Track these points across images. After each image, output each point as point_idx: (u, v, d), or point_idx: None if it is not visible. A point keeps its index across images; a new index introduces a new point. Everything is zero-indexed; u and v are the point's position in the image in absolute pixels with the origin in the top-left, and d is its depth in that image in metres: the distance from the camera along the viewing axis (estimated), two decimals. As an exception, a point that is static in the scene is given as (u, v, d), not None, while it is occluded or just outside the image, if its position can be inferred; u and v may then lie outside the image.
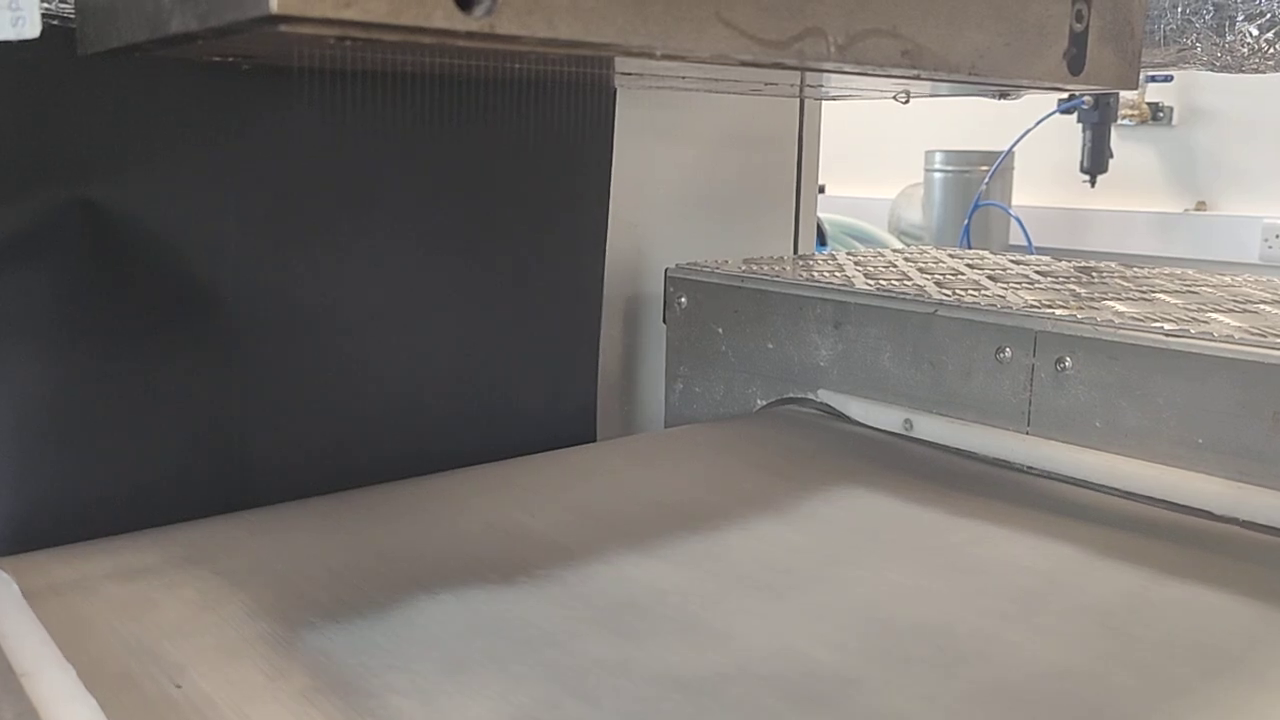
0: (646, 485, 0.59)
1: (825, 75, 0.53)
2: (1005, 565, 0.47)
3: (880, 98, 0.67)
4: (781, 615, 0.42)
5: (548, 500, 0.56)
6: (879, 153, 2.60)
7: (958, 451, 0.63)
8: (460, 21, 0.30)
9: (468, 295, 0.64)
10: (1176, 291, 0.70)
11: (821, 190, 1.09)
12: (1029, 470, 0.60)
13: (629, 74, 0.58)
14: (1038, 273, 0.79)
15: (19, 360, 0.50)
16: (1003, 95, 0.61)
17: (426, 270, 0.62)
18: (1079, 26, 0.46)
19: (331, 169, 0.57)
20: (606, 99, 0.68)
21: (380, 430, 0.62)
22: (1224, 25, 0.80)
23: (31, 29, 0.35)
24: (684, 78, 0.59)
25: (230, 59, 0.45)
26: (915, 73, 0.42)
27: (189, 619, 0.41)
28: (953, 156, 2.34)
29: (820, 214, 1.32)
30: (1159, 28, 0.81)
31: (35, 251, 0.49)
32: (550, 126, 0.65)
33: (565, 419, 0.71)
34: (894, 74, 0.42)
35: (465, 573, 0.46)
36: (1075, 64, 0.47)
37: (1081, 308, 0.62)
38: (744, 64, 0.38)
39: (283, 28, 0.29)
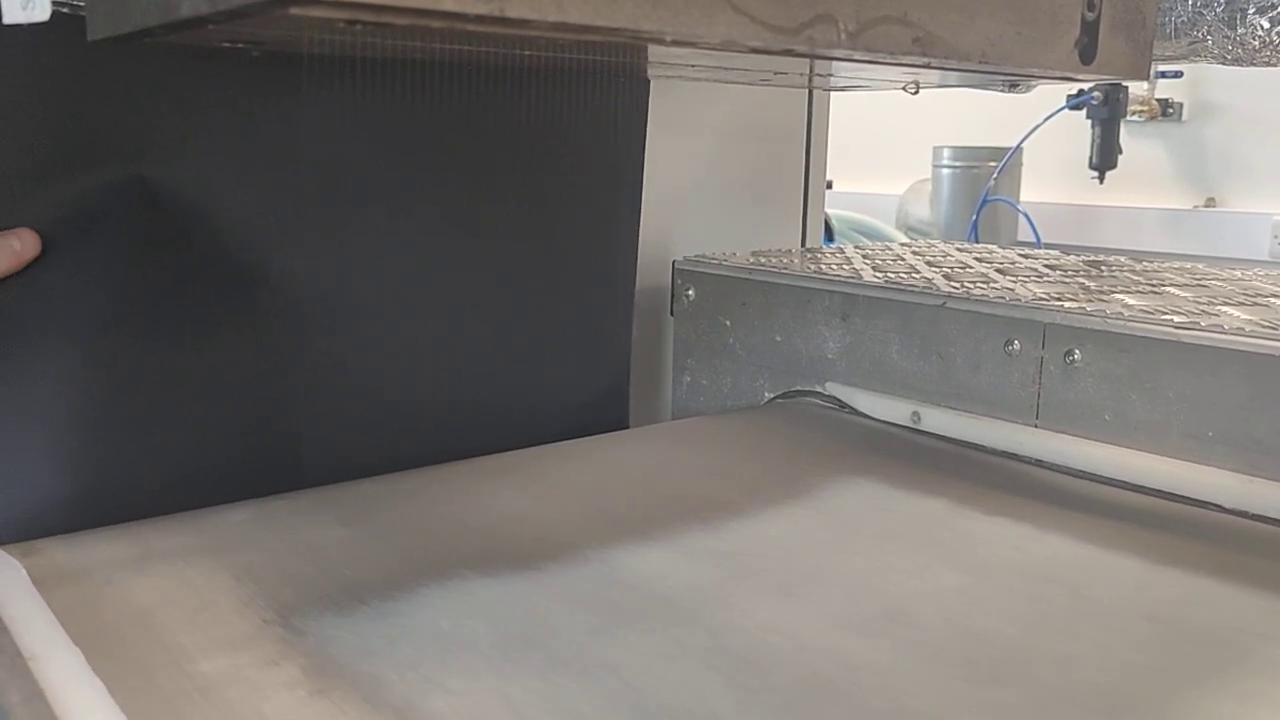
0: (653, 477, 0.59)
1: (835, 64, 0.53)
2: (1013, 558, 0.47)
3: (890, 89, 0.67)
4: (788, 607, 0.42)
5: (554, 491, 0.56)
6: (887, 149, 2.59)
7: (966, 444, 0.63)
8: (469, 4, 0.30)
9: (505, 283, 0.65)
10: (1186, 285, 0.70)
11: (829, 186, 1.09)
12: (1038, 463, 0.60)
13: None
14: (1047, 266, 0.79)
15: (72, 343, 0.50)
16: (1012, 86, 0.61)
17: (464, 258, 0.63)
18: (1091, 15, 0.46)
19: (373, 157, 0.58)
20: (640, 87, 0.69)
21: (421, 416, 0.62)
22: (1235, 18, 0.80)
23: (41, 12, 0.35)
24: (692, 66, 0.59)
25: (240, 45, 0.45)
26: (926, 61, 0.42)
27: (193, 604, 0.41)
28: (961, 152, 2.33)
29: (827, 209, 1.32)
30: (1170, 20, 0.81)
31: (91, 231, 0.50)
32: (586, 114, 0.66)
33: (599, 405, 0.71)
34: (904, 62, 0.42)
35: (468, 564, 0.46)
36: (1087, 53, 0.47)
37: (1091, 300, 0.62)
38: (754, 51, 0.38)
39: (294, 10, 0.29)
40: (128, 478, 0.52)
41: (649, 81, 0.69)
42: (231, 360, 0.55)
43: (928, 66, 0.44)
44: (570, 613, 0.41)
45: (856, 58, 0.40)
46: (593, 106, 0.66)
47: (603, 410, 0.71)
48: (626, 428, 0.72)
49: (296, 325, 0.57)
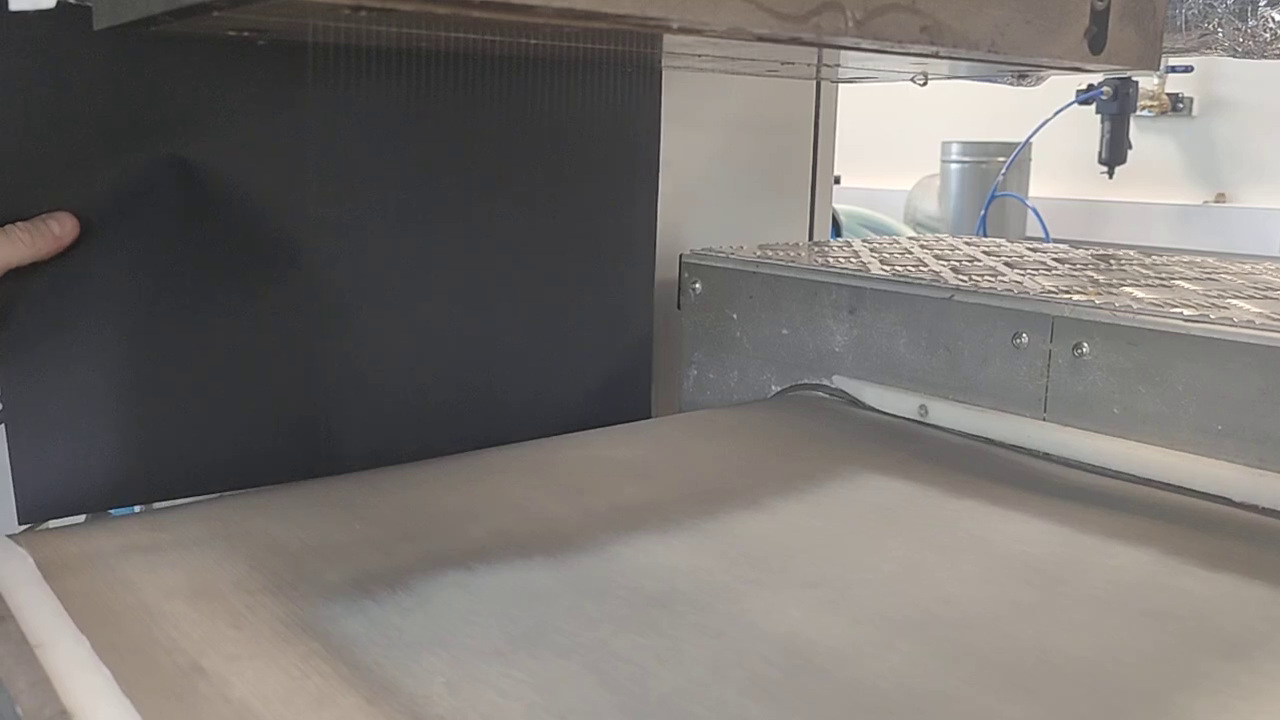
0: (660, 470, 0.59)
1: (843, 53, 0.53)
2: (1021, 551, 0.47)
3: (898, 79, 0.67)
4: (795, 600, 0.42)
5: (561, 483, 0.56)
6: (895, 144, 2.58)
7: (974, 438, 0.63)
8: (475, -10, 0.30)
9: (525, 271, 0.66)
10: (1196, 278, 0.69)
11: (837, 181, 1.08)
12: (1046, 457, 0.59)
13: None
14: (1055, 260, 0.78)
15: (112, 324, 0.51)
16: (1021, 78, 0.60)
17: (486, 246, 0.64)
18: (1100, 4, 0.46)
19: (398, 147, 0.59)
20: (653, 76, 0.70)
21: (451, 401, 0.63)
22: (1246, 10, 0.79)
23: (46, -1, 0.35)
24: (699, 55, 0.59)
25: (245, 33, 0.45)
26: (934, 50, 0.41)
27: (199, 593, 0.41)
28: (969, 147, 2.32)
29: (835, 205, 1.31)
30: (1180, 12, 0.80)
31: (128, 214, 0.51)
32: (601, 104, 0.67)
33: (621, 392, 0.72)
34: (913, 51, 0.42)
35: (478, 556, 0.46)
36: (1096, 43, 0.46)
37: (1100, 293, 0.62)
38: (761, 39, 0.38)
39: (298, -5, 0.29)
40: (166, 457, 0.53)
41: (661, 71, 0.70)
42: (267, 342, 0.56)
43: (936, 56, 0.44)
44: (578, 605, 0.41)
45: (864, 46, 0.40)
46: (607, 96, 0.67)
47: (624, 397, 0.72)
48: (649, 415, 0.73)
49: (328, 309, 0.58)
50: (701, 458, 0.61)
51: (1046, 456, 0.59)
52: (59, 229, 0.48)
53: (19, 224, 0.48)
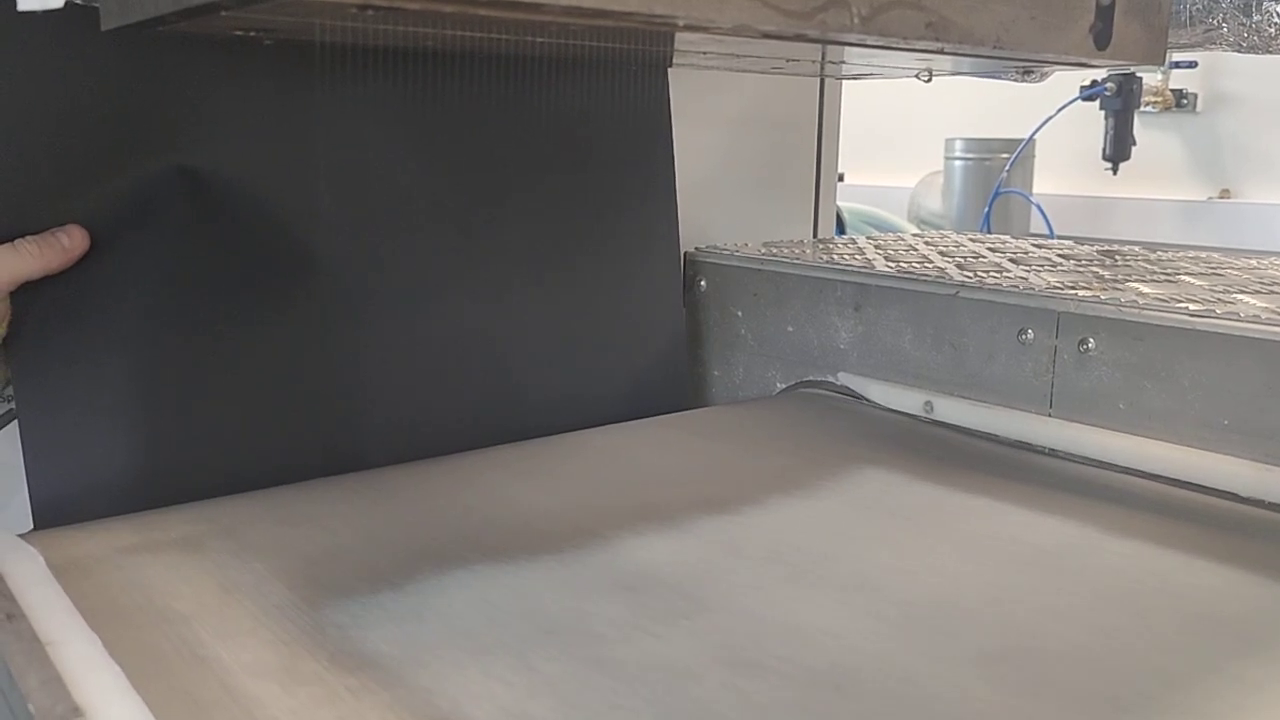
0: (665, 467, 0.59)
1: (847, 50, 0.53)
2: (1027, 547, 0.47)
3: (902, 76, 0.67)
4: (801, 596, 0.42)
5: (567, 481, 0.56)
6: (899, 141, 2.58)
7: (979, 434, 0.63)
8: (483, -12, 0.30)
9: (551, 268, 0.66)
10: (1201, 274, 0.69)
11: (841, 178, 1.08)
12: (1052, 453, 0.59)
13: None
14: (1060, 256, 0.78)
15: (125, 333, 0.51)
16: (1025, 74, 0.60)
17: (508, 245, 0.63)
18: (1105, 0, 0.46)
19: (415, 147, 0.58)
20: (660, 73, 0.70)
21: (475, 402, 0.63)
22: (1251, 5, 0.79)
23: None
24: (704, 53, 0.59)
25: (252, 33, 0.45)
26: (939, 46, 0.41)
27: (209, 590, 0.41)
28: (973, 144, 2.32)
29: (839, 202, 1.31)
30: (1185, 8, 0.80)
31: (138, 224, 0.51)
32: (613, 101, 0.67)
33: (656, 383, 0.72)
34: (917, 48, 0.42)
35: (484, 553, 0.46)
36: (1101, 38, 0.46)
37: (1105, 289, 0.62)
38: (766, 36, 0.38)
39: (306, -7, 0.29)
40: (179, 462, 0.53)
41: (667, 68, 0.70)
42: (282, 346, 0.55)
43: (941, 52, 0.44)
44: (583, 602, 0.41)
45: (869, 43, 0.40)
46: (618, 93, 0.66)
47: (660, 388, 0.72)
48: (685, 406, 0.72)
49: (343, 310, 0.57)
50: (707, 455, 0.61)
51: (1052, 453, 0.59)
52: (68, 241, 0.48)
53: (28, 238, 0.48)
